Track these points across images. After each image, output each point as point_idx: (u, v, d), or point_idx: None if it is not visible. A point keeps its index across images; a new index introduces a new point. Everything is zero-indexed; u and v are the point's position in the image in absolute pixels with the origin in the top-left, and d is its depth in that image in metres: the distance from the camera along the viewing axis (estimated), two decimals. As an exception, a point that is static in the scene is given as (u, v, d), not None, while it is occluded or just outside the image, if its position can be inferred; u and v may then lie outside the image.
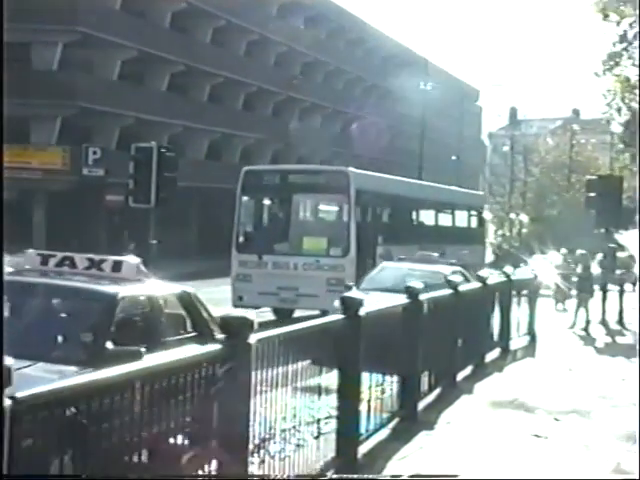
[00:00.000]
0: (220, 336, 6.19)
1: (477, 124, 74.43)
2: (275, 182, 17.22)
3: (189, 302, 6.81)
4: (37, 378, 4.50)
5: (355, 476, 5.41)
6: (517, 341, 13.04)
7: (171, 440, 3.95)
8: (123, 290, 6.16)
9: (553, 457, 6.60)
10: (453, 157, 55.20)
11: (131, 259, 6.81)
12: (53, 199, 29.59)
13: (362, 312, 6.07)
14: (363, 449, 6.27)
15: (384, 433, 6.90)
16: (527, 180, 48.00)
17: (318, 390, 5.69)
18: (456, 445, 6.86)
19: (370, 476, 5.60)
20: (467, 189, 30.27)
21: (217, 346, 4.36)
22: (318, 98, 45.44)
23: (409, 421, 7.40)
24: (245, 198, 17.19)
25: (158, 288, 6.75)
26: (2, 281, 4.37)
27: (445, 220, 22.78)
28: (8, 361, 2.80)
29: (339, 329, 5.88)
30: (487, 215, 52.16)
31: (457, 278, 10.80)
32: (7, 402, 2.73)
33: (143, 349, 4.97)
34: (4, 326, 3.77)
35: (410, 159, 47.54)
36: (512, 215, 47.47)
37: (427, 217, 21.78)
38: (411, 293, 7.63)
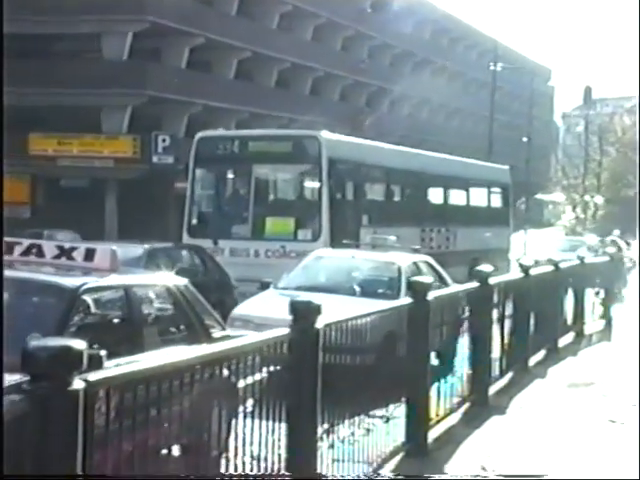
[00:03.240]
0: (219, 334, 5.73)
1: (549, 105, 72.93)
2: (233, 151, 14.48)
3: (180, 295, 5.84)
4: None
5: (436, 476, 5.32)
6: (592, 325, 12.75)
7: (238, 425, 3.96)
8: (90, 282, 5.28)
9: (629, 443, 6.41)
10: (524, 139, 54.21)
11: (106, 246, 5.85)
12: (124, 187, 30.16)
13: (430, 296, 6.01)
14: (433, 434, 6.21)
15: (455, 418, 6.83)
16: (602, 160, 46.79)
17: (387, 374, 5.65)
18: (528, 430, 6.73)
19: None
20: (494, 164, 25.64)
21: (285, 331, 4.34)
22: (385, 82, 45.13)
23: (480, 406, 7.29)
24: (198, 171, 14.69)
25: (140, 280, 6.00)
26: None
27: (457, 198, 19.38)
28: (80, 344, 2.82)
29: (407, 314, 5.83)
30: (560, 197, 51.32)
31: (427, 280, 6.37)
32: (81, 384, 2.75)
33: (103, 352, 4.08)
34: None
35: (480, 142, 46.85)
36: (586, 197, 46.37)
37: (432, 194, 18.50)
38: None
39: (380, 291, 9.32)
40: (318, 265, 10.42)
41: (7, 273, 5.38)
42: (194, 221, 14.50)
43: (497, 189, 21.74)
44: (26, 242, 5.71)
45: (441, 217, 17.86)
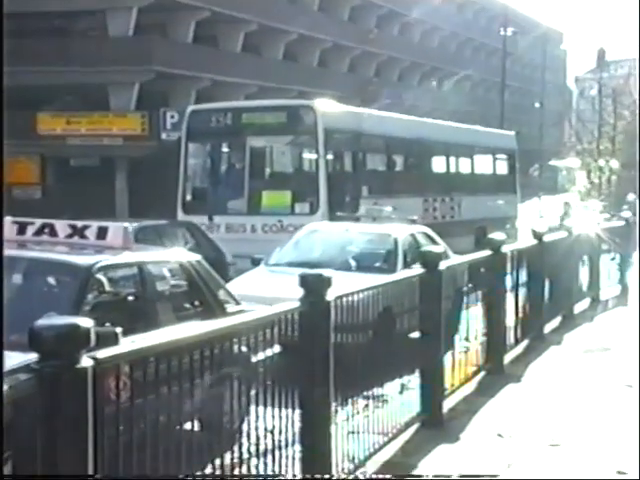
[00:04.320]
0: (233, 309, 5.73)
1: (562, 69, 72.25)
2: (227, 123, 14.10)
3: (193, 272, 5.82)
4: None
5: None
6: (608, 291, 12.67)
7: (252, 399, 3.94)
8: (103, 260, 5.27)
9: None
10: (536, 104, 53.77)
11: (119, 224, 5.83)
12: (134, 165, 30.14)
13: (443, 266, 5.96)
14: (448, 404, 6.19)
15: (470, 387, 6.80)
16: (617, 124, 46.28)
17: (399, 345, 5.62)
18: (544, 398, 6.70)
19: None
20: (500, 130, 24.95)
21: (296, 304, 4.31)
22: (395, 51, 44.75)
23: (496, 374, 7.26)
24: (191, 146, 14.43)
25: (153, 257, 6.01)
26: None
27: (460, 166, 18.77)
28: (87, 322, 2.79)
29: (419, 284, 5.78)
30: (575, 162, 50.89)
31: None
32: (89, 362, 2.73)
33: (119, 330, 4.09)
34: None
35: (491, 109, 46.50)
36: (601, 161, 45.93)
37: (434, 163, 17.98)
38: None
39: (376, 265, 9.07)
40: (311, 240, 9.98)
41: (21, 253, 5.47)
42: (188, 197, 14.24)
43: (503, 155, 21.10)
44: (39, 222, 5.68)
45: (445, 186, 17.38)
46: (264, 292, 7.66)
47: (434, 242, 9.69)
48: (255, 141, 14.26)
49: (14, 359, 4.11)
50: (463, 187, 18.04)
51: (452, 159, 18.56)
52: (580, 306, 11.20)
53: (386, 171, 16.19)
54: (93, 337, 2.80)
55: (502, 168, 21.16)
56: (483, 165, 20.07)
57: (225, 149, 15.04)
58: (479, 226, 16.81)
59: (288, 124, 13.94)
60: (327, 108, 14.30)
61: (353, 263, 9.09)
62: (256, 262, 9.71)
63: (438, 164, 18.16)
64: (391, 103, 40.75)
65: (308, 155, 14.41)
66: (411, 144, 16.80)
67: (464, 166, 19.07)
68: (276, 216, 13.24)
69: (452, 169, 18.52)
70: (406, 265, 8.84)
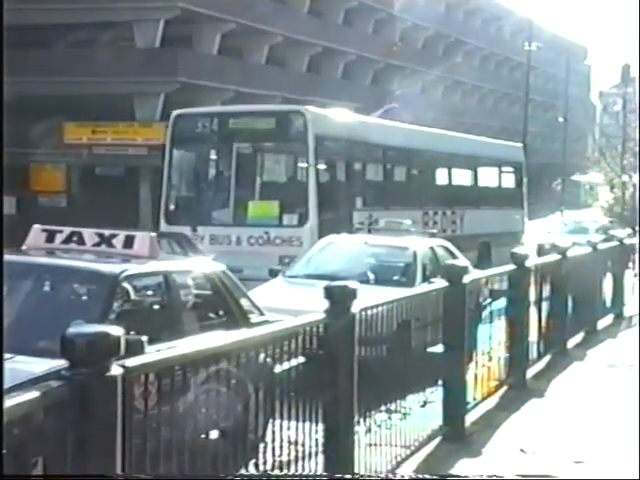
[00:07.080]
0: (257, 319, 5.78)
1: (586, 84, 71.95)
2: (213, 129, 13.28)
3: (218, 282, 5.84)
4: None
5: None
6: (632, 307, 12.58)
7: (275, 410, 3.96)
8: (130, 269, 5.30)
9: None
10: (560, 119, 53.55)
11: (145, 233, 5.83)
12: (158, 174, 30.31)
13: (467, 279, 5.96)
14: (470, 418, 6.18)
15: (492, 402, 6.79)
16: (640, 139, 45.96)
17: (422, 358, 5.63)
18: (567, 414, 6.67)
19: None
20: (508, 142, 23.57)
21: (321, 315, 4.33)
22: (418, 64, 44.81)
23: (518, 389, 7.24)
24: (176, 152, 13.50)
25: (178, 266, 6.06)
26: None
27: (463, 178, 17.88)
28: (117, 331, 2.84)
29: (443, 298, 5.79)
30: (598, 177, 50.62)
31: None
32: (119, 370, 2.77)
33: (145, 338, 4.10)
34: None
35: (514, 123, 46.38)
36: (625, 177, 45.60)
37: (435, 174, 17.07)
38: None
39: (395, 278, 8.97)
40: (328, 252, 9.78)
41: (49, 260, 5.57)
42: (171, 207, 13.46)
43: (509, 168, 19.97)
44: (67, 230, 5.75)
45: (446, 198, 16.40)
46: (284, 304, 7.59)
47: (454, 256, 9.47)
48: (242, 148, 13.44)
49: (43, 365, 4.18)
50: (465, 200, 17.13)
51: (454, 170, 17.62)
52: (604, 322, 11.14)
53: (382, 182, 15.22)
54: (123, 345, 2.84)
55: (508, 181, 19.96)
56: (487, 177, 19.13)
57: (211, 156, 14.22)
58: (482, 241, 16.17)
59: (277, 130, 13.09)
60: (318, 114, 13.50)
61: (371, 276, 8.95)
62: (274, 273, 9.61)
63: (439, 175, 17.25)
64: (414, 116, 40.68)
65: (298, 163, 13.65)
66: (409, 153, 15.90)
67: (467, 178, 18.18)
68: (263, 228, 12.48)
69: (454, 181, 17.58)
70: (425, 279, 8.79)
